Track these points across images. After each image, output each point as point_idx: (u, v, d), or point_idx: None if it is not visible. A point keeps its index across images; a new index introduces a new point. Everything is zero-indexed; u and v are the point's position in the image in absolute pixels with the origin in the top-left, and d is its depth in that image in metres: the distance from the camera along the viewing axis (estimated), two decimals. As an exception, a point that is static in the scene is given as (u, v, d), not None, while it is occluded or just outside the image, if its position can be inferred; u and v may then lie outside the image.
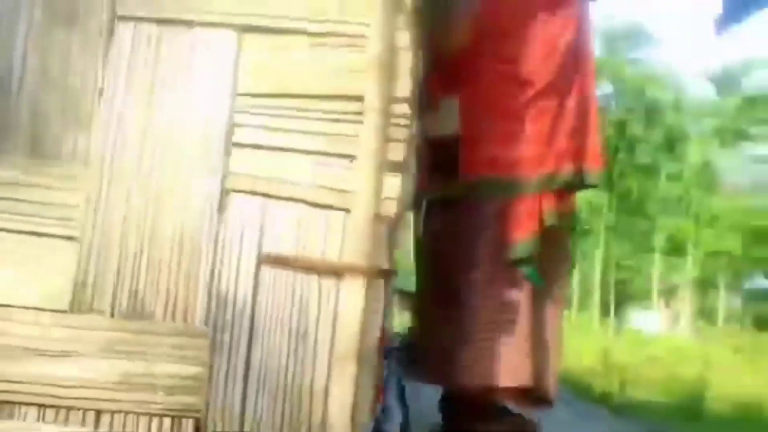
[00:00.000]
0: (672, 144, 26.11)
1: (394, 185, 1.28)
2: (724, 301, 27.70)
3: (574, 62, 1.84)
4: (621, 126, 26.61)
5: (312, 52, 1.30)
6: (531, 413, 1.83)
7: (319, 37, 1.29)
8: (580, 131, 1.85)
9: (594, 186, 1.94)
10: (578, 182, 1.87)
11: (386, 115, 1.27)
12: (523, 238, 1.76)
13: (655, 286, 28.08)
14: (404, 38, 1.29)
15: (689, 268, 26.59)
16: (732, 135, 26.07)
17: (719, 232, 25.82)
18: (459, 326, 1.73)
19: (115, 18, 1.30)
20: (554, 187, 1.80)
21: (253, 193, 1.28)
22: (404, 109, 1.29)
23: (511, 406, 1.77)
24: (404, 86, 1.29)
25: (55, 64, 1.29)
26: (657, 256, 27.43)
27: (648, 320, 28.38)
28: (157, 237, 1.27)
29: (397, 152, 1.29)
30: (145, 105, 1.29)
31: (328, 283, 1.26)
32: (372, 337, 1.26)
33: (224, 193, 1.28)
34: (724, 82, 26.09)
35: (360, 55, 1.28)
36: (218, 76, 1.29)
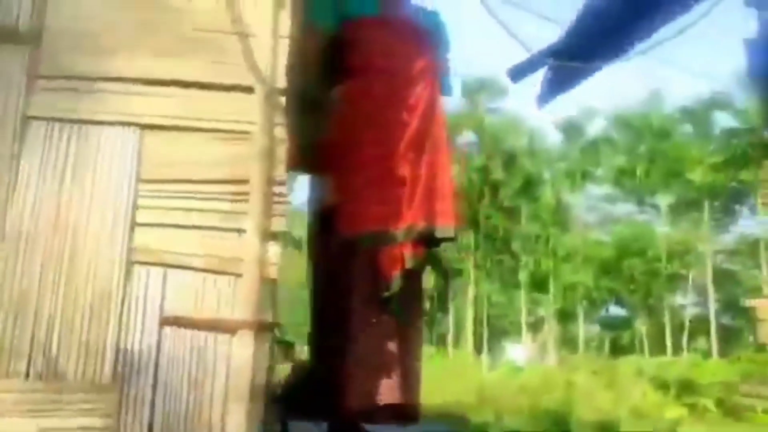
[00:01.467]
0: (529, 187, 28.22)
1: (276, 252, 1.56)
2: (583, 330, 29.88)
3: (423, 140, 2.26)
4: (484, 171, 28.49)
5: (206, 144, 1.57)
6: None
7: (212, 133, 1.57)
8: (431, 195, 2.27)
9: (448, 239, 2.38)
10: (431, 235, 2.29)
11: (268, 195, 1.56)
12: (390, 278, 2.14)
13: (524, 319, 29.78)
14: (281, 132, 1.60)
15: (551, 301, 28.55)
16: (580, 177, 28.68)
17: (574, 266, 28.09)
18: (342, 358, 2.04)
19: (28, 118, 1.50)
20: (411, 238, 2.20)
21: (155, 264, 1.51)
22: (282, 189, 1.59)
23: (387, 426, 2.10)
24: (282, 171, 1.59)
25: (-30, 158, 1.47)
26: (523, 292, 29.21)
27: (518, 353, 29.98)
28: (69, 305, 1.46)
29: (279, 224, 1.58)
30: (57, 191, 1.49)
31: (223, 337, 1.51)
32: (260, 379, 1.52)
33: (129, 265, 1.50)
34: (570, 129, 28.80)
35: (246, 146, 1.57)
36: (123, 166, 1.52)
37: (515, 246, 29.42)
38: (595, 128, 29.41)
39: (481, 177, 28.47)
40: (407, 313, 2.23)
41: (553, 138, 30.61)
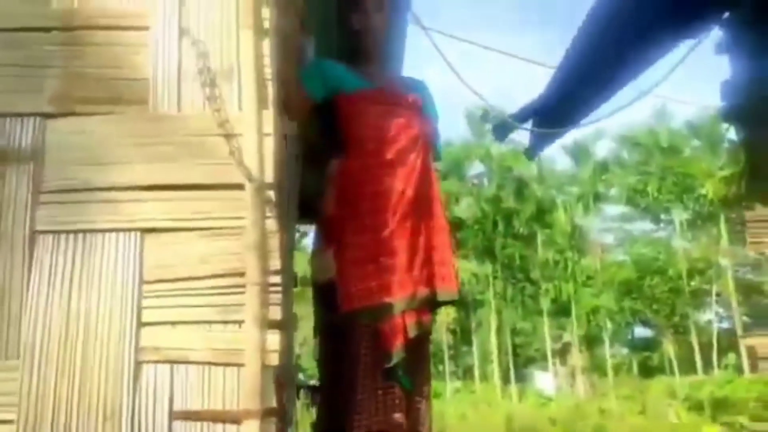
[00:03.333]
0: (542, 213, 28.17)
1: (276, 340, 1.63)
2: (611, 353, 29.42)
3: (419, 207, 2.34)
4: (496, 201, 28.56)
5: (202, 242, 1.66)
6: None
7: (206, 231, 1.66)
8: (429, 261, 2.33)
9: (450, 302, 2.44)
10: (433, 301, 2.34)
11: (264, 285, 1.64)
12: (392, 349, 2.18)
13: (548, 346, 29.40)
14: (272, 225, 1.69)
15: (575, 326, 28.20)
16: (593, 199, 28.63)
17: (595, 290, 27.80)
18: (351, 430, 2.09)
19: (35, 233, 1.61)
20: (414, 306, 2.25)
21: (162, 361, 1.59)
22: (277, 279, 1.67)
23: None
24: (275, 261, 1.67)
25: (-16, 276, 1.57)
26: (545, 319, 28.91)
27: (546, 381, 29.50)
28: (83, 409, 1.54)
29: (276, 313, 1.65)
30: (66, 300, 1.59)
31: (230, 428, 1.57)
32: (269, 463, 1.58)
33: (137, 364, 1.58)
34: (578, 152, 28.84)
35: (239, 241, 1.66)
36: (126, 269, 1.62)
37: (534, 273, 29.24)
38: (603, 149, 29.50)
39: (493, 206, 28.53)
40: (413, 380, 2.26)
41: (563, 162, 30.70)
